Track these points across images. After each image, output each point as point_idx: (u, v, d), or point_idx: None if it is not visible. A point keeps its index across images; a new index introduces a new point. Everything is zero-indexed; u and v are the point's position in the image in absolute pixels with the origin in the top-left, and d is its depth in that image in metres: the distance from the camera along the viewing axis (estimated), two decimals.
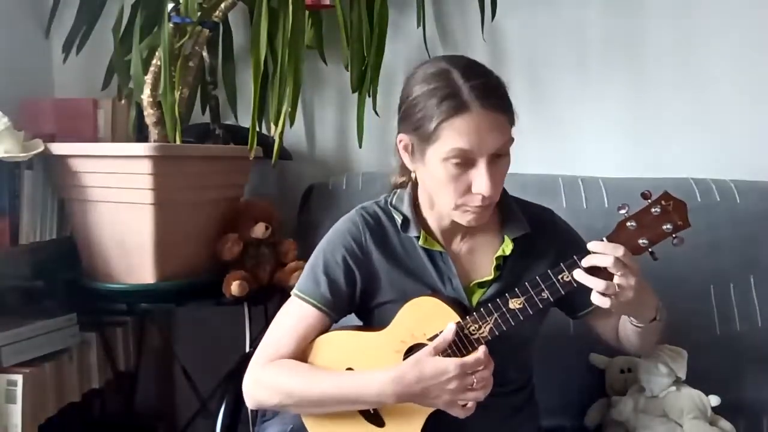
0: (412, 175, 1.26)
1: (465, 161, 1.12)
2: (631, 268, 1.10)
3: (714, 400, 1.46)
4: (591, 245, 1.12)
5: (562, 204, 1.69)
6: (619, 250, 1.10)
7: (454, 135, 1.10)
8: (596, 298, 1.12)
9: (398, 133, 1.21)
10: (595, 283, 1.10)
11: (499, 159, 1.15)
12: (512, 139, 1.15)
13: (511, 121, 1.15)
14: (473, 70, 1.14)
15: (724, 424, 1.47)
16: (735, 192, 1.71)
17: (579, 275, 1.12)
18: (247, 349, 1.68)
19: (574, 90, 1.93)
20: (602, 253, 1.10)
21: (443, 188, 1.16)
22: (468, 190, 1.14)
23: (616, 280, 1.10)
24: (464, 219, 1.19)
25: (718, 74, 1.88)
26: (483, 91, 1.11)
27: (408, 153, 1.20)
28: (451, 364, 1.13)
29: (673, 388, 1.46)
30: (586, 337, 1.56)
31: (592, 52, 1.91)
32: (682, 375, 1.46)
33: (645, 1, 1.89)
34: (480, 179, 1.13)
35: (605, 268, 1.10)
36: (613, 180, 1.76)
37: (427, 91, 1.13)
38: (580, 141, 1.94)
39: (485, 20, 1.86)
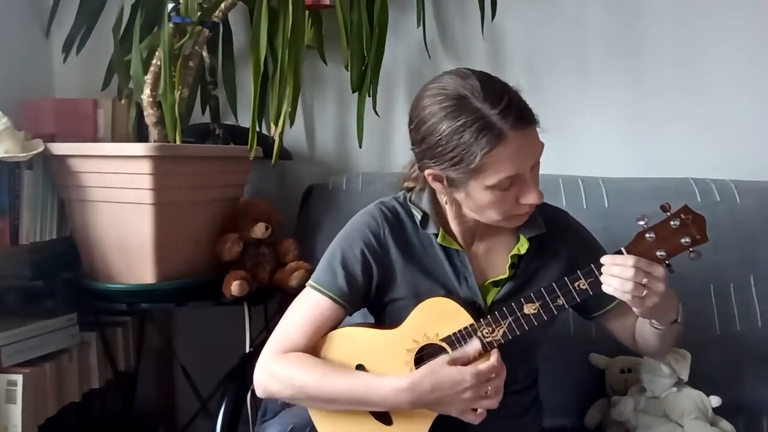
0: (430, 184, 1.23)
1: (512, 182, 1.13)
2: (653, 275, 1.10)
3: (715, 400, 1.46)
4: (603, 260, 1.12)
5: (562, 204, 1.69)
6: (631, 260, 1.09)
7: (498, 165, 1.10)
8: (621, 295, 1.12)
9: (422, 164, 1.18)
10: (621, 285, 1.10)
11: (536, 164, 1.16)
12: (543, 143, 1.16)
13: (538, 125, 1.14)
14: (491, 91, 1.10)
15: (725, 424, 1.47)
16: (735, 192, 1.70)
17: (605, 280, 1.12)
18: (247, 349, 1.68)
19: (575, 90, 1.93)
20: (621, 264, 1.10)
21: (489, 209, 1.17)
22: (515, 202, 1.15)
23: (645, 285, 1.10)
24: (511, 224, 1.21)
25: (718, 74, 1.88)
26: (513, 114, 1.09)
27: (441, 183, 1.18)
28: (467, 374, 1.13)
29: (674, 388, 1.46)
30: (586, 337, 1.57)
31: (592, 52, 1.91)
32: (685, 377, 1.46)
33: (645, 0, 1.89)
34: (529, 192, 1.14)
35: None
36: (613, 180, 1.76)
37: (455, 127, 1.09)
38: (580, 141, 1.94)
39: (485, 20, 1.86)
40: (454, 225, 1.26)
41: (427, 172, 1.18)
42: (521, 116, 1.10)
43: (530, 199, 1.15)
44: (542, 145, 1.15)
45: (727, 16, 1.85)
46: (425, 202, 1.26)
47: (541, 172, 1.77)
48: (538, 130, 1.14)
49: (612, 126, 1.93)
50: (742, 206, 1.68)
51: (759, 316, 1.62)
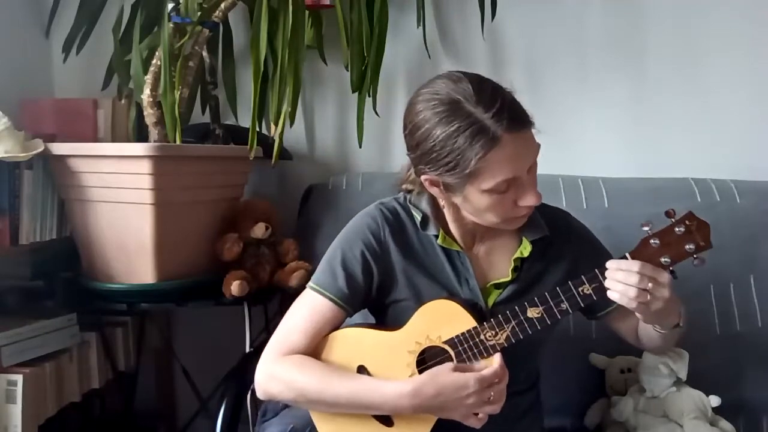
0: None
1: (509, 185, 1.12)
2: (659, 282, 1.10)
3: (714, 400, 1.46)
4: (608, 264, 1.12)
5: (562, 204, 1.69)
6: (636, 266, 1.09)
7: (494, 169, 1.09)
8: (626, 302, 1.11)
9: (418, 169, 1.18)
10: (625, 290, 1.10)
11: (533, 166, 1.15)
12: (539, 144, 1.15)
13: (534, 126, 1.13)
14: (484, 94, 1.09)
15: (725, 424, 1.47)
16: (735, 192, 1.70)
17: (609, 285, 1.11)
18: (247, 349, 1.68)
19: (575, 90, 1.92)
20: (626, 270, 1.10)
21: (488, 212, 1.16)
22: (514, 205, 1.15)
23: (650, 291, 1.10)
24: (510, 226, 1.21)
25: (718, 74, 1.88)
26: (507, 117, 1.07)
27: (438, 188, 1.18)
28: (471, 379, 1.12)
29: (674, 388, 1.46)
30: (586, 337, 1.57)
31: (592, 52, 1.91)
32: (683, 376, 1.46)
33: (645, 0, 1.89)
34: (528, 194, 1.14)
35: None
36: (613, 180, 1.76)
37: (449, 132, 1.08)
38: (580, 141, 1.94)
39: (485, 20, 1.86)
40: (453, 227, 1.26)
41: (423, 177, 1.18)
42: (515, 119, 1.09)
43: (529, 201, 1.14)
44: (538, 146, 1.14)
45: (727, 16, 1.85)
46: (425, 204, 1.26)
47: (541, 172, 1.79)
48: (534, 131, 1.13)
49: (612, 126, 1.93)
50: (742, 206, 1.68)
51: (759, 316, 1.61)
